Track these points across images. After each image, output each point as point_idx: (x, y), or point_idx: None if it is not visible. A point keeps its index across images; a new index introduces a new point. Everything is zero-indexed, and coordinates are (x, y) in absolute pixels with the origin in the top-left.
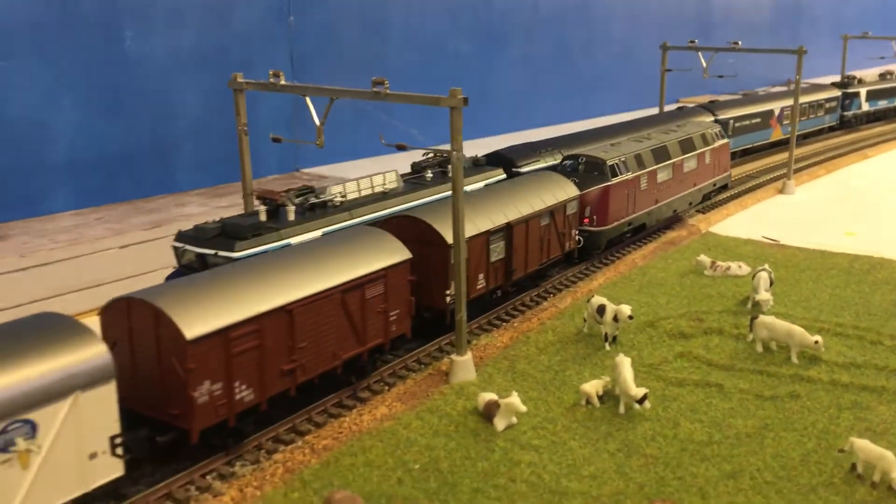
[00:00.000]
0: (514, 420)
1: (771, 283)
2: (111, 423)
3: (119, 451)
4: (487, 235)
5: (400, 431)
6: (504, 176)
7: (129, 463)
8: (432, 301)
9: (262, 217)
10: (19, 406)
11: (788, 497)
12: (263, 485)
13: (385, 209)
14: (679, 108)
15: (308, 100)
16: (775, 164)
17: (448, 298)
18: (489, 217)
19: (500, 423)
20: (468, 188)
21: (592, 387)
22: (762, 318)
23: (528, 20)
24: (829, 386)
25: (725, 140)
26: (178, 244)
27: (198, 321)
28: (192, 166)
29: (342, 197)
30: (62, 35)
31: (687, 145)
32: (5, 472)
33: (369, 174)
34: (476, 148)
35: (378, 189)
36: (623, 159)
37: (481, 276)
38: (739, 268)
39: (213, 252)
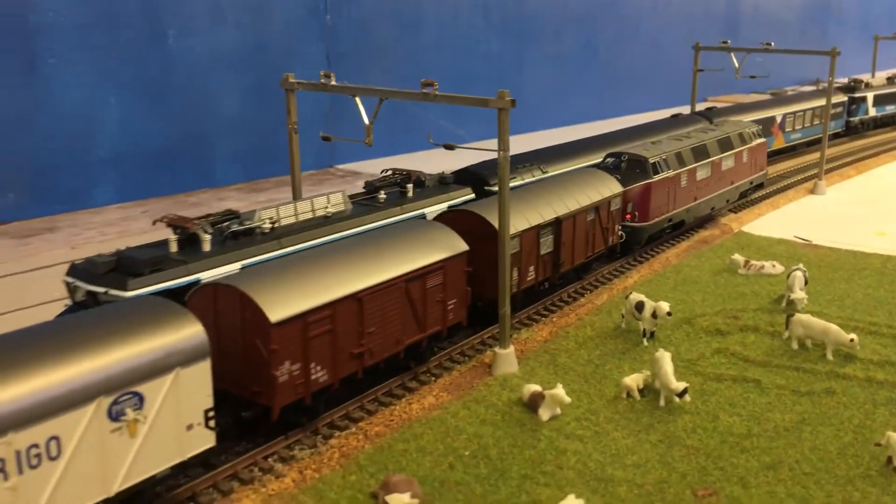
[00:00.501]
0: (559, 411)
1: (805, 282)
2: (206, 397)
3: (212, 423)
4: (538, 229)
5: (448, 420)
6: (472, 196)
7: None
8: (485, 292)
9: (173, 248)
10: (130, 379)
11: (826, 488)
12: (321, 468)
13: (324, 236)
14: (674, 116)
15: (358, 100)
16: (806, 164)
17: None
18: (539, 212)
19: (544, 414)
20: (429, 209)
21: (633, 380)
22: (798, 315)
23: (557, 18)
24: (865, 383)
25: (762, 139)
26: (69, 279)
27: (280, 306)
28: (230, 161)
29: (272, 223)
30: (108, 34)
31: (725, 144)
32: (116, 440)
33: (311, 196)
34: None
35: (319, 213)
36: (664, 157)
37: (532, 267)
38: (773, 267)
39: (103, 290)
